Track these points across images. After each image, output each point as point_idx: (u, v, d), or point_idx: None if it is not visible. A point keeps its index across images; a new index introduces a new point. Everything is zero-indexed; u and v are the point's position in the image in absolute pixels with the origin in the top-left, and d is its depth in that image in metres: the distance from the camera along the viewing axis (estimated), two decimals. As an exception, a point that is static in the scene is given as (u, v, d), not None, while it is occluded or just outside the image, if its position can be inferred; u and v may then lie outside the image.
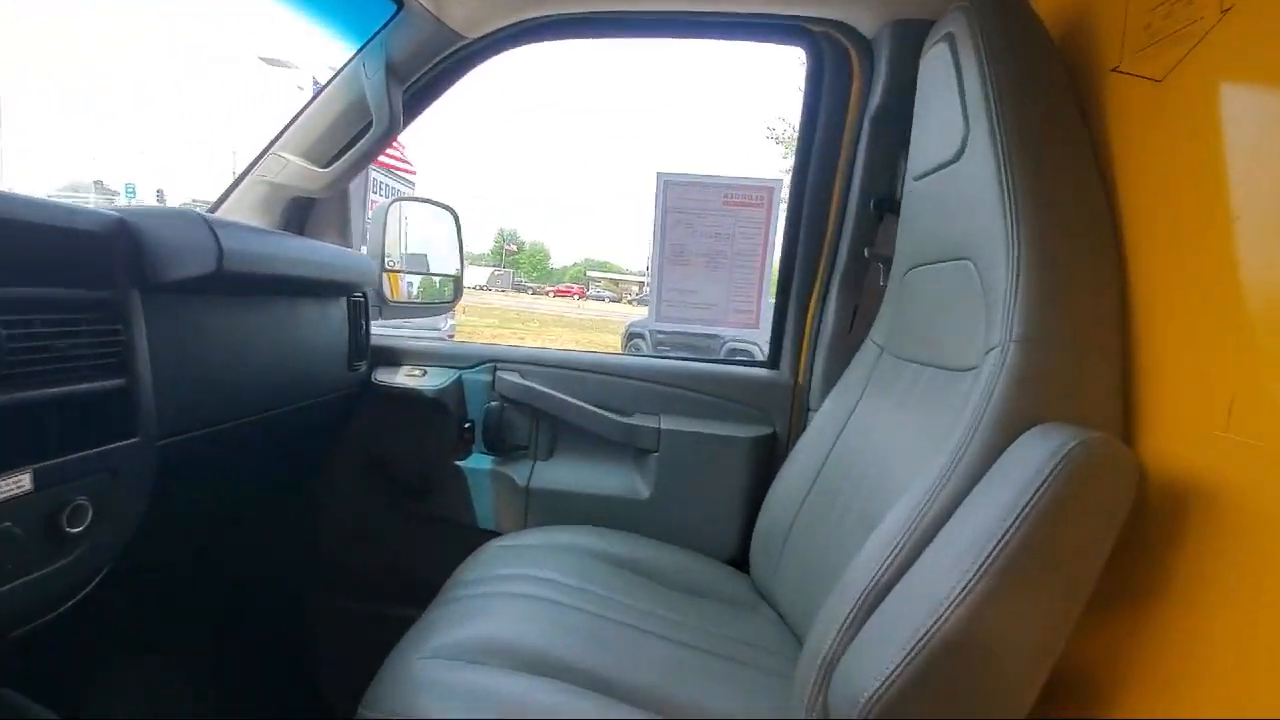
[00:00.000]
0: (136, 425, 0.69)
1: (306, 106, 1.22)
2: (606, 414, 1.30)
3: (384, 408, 1.31)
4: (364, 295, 1.25)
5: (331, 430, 1.28)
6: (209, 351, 0.83)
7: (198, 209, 0.77)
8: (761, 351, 1.48)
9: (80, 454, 0.62)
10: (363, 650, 1.31)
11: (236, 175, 1.27)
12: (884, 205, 1.17)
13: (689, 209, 1.35)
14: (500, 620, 0.87)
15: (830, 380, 1.20)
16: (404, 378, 1.30)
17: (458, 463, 1.31)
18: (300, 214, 1.29)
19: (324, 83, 1.23)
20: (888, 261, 1.11)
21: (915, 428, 0.87)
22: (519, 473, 1.30)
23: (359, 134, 1.20)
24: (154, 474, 0.71)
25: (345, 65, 1.17)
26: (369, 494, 1.34)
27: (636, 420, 1.30)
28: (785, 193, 1.31)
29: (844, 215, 1.23)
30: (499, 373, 1.32)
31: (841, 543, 0.90)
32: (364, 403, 1.30)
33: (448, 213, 1.61)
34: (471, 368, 1.33)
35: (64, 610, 0.63)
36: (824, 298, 1.26)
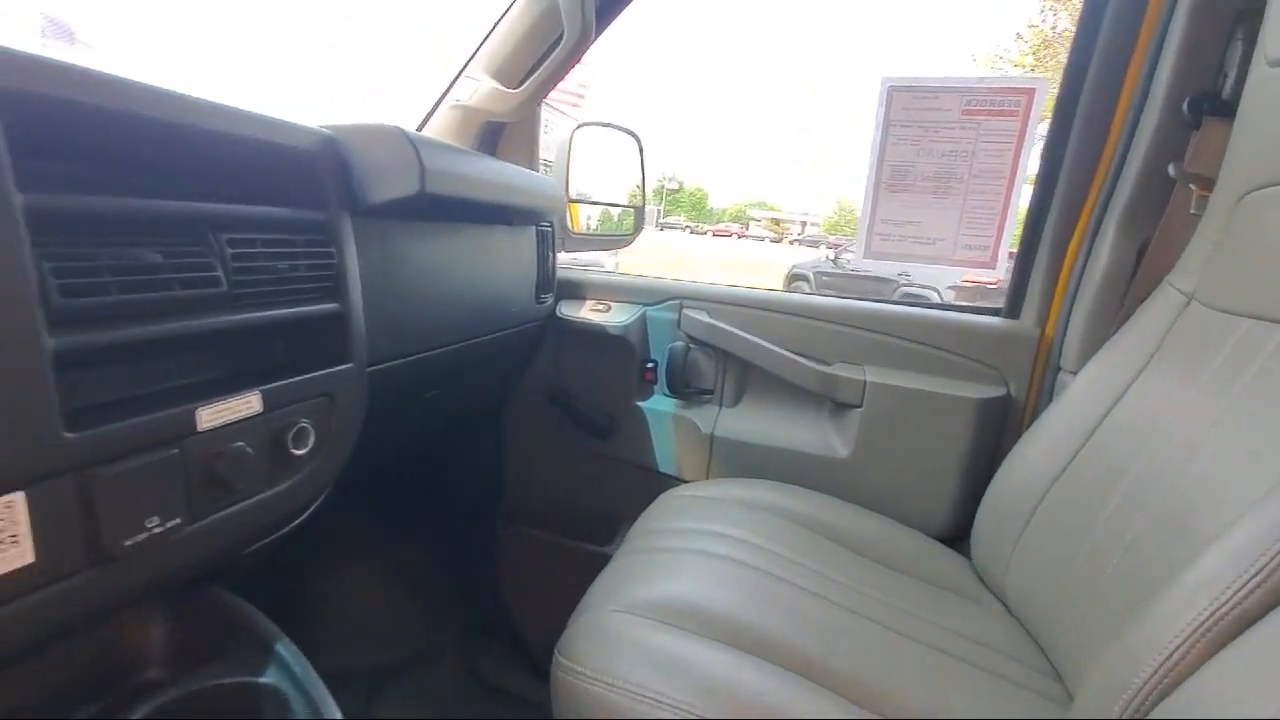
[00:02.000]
0: (350, 351, 0.68)
1: (497, 24, 1.17)
2: (803, 360, 1.16)
3: (567, 342, 1.28)
4: (551, 225, 1.20)
5: (518, 362, 1.27)
6: (410, 279, 0.81)
7: (395, 126, 0.73)
8: (940, 296, 1.23)
9: (302, 377, 0.62)
10: (543, 576, 1.34)
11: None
12: (1204, 105, 0.87)
13: (918, 121, 1.12)
14: (693, 580, 0.80)
15: (1096, 335, 0.96)
16: (588, 312, 1.25)
17: (639, 403, 1.26)
18: (492, 140, 1.26)
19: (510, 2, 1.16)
20: (1208, 182, 0.84)
21: (1258, 411, 0.64)
22: (703, 418, 1.22)
23: (549, 50, 1.12)
24: (365, 400, 0.71)
25: (536, -27, 1.09)
26: (551, 427, 1.33)
27: (837, 370, 1.14)
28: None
29: (1137, 120, 0.94)
30: (685, 310, 1.23)
31: (1127, 550, 0.70)
32: (548, 336, 1.28)
33: (631, 138, 1.51)
34: (657, 304, 1.25)
35: (289, 530, 0.65)
36: (1095, 229, 1.00)
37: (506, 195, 0.98)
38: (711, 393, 1.23)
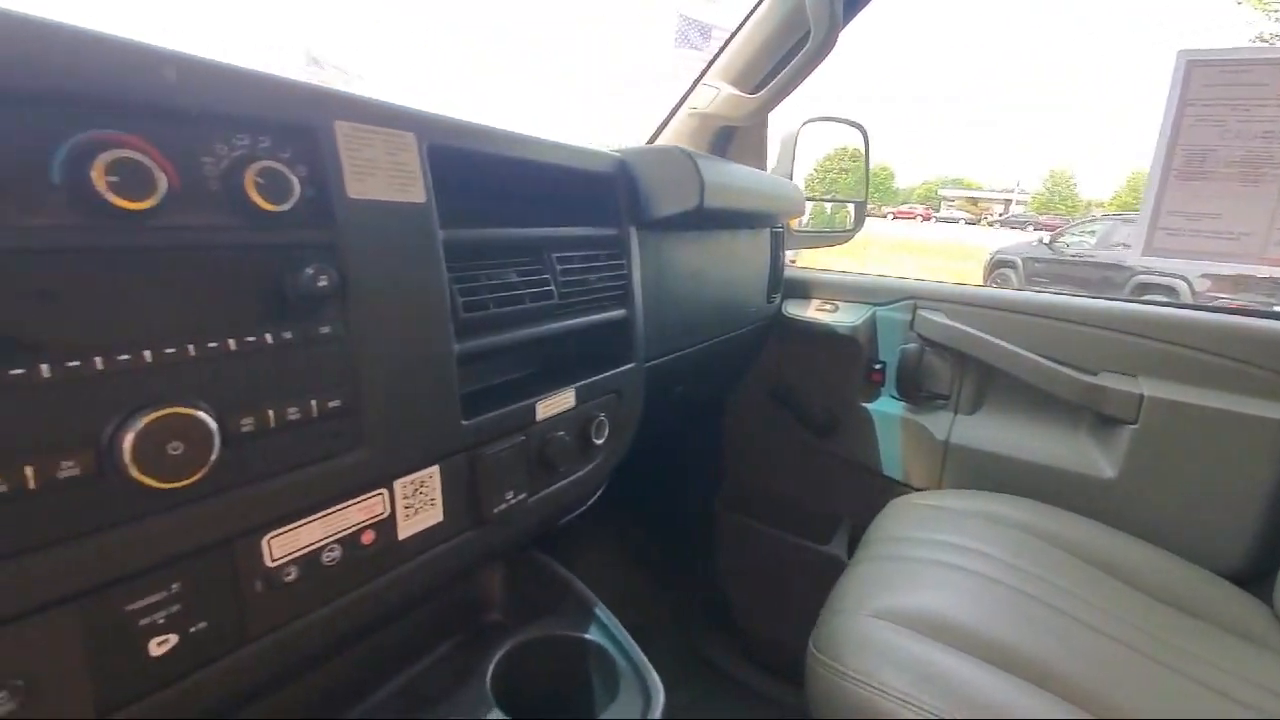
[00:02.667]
0: (633, 351, 0.76)
1: (737, 31, 1.20)
2: (1061, 369, 1.06)
3: (791, 340, 1.29)
4: (783, 226, 1.22)
5: (745, 359, 1.31)
6: (674, 284, 0.88)
7: (676, 146, 0.79)
8: (1191, 289, 1.03)
9: (601, 376, 0.70)
10: (759, 565, 1.38)
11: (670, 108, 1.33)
12: None
13: (1224, 100, 0.97)
14: (949, 595, 0.78)
15: None
16: (814, 311, 1.26)
17: (864, 404, 1.24)
18: (723, 144, 1.30)
19: (755, 3, 1.18)
20: None
21: None
22: (936, 424, 1.17)
23: (790, 52, 1.13)
24: (643, 396, 0.79)
25: (782, -23, 1.10)
26: (771, 422, 1.36)
27: (1105, 380, 1.03)
28: None
29: None
30: (920, 311, 1.18)
31: None
32: (773, 333, 1.30)
33: (857, 131, 1.47)
34: (887, 304, 1.22)
35: (586, 507, 0.74)
36: None
37: (761, 202, 1.01)
38: (947, 398, 1.18)
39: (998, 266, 9.39)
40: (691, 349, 0.94)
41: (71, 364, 0.33)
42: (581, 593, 0.67)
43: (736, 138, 1.31)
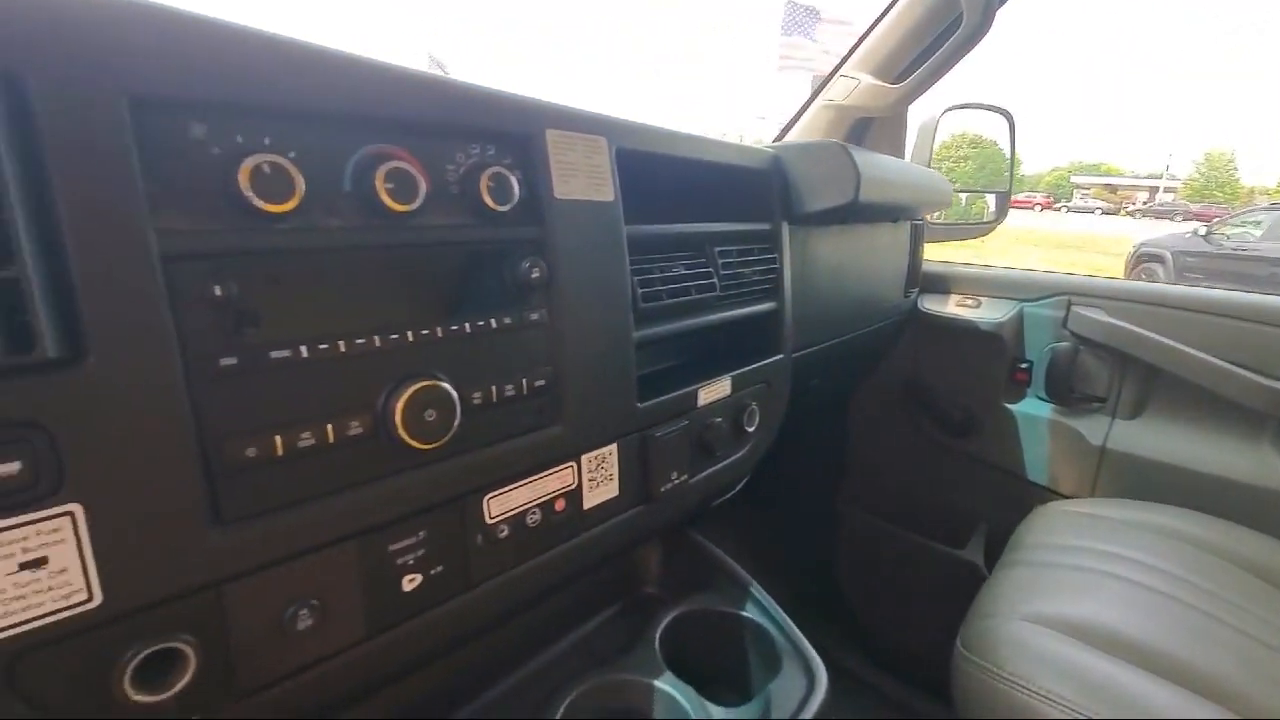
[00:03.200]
0: (781, 343, 0.78)
1: (877, 22, 1.17)
2: (1243, 372, 0.97)
3: (927, 336, 1.25)
4: (923, 219, 1.19)
5: (877, 354, 1.29)
6: (818, 277, 0.88)
7: (834, 140, 0.79)
8: None
9: (753, 366, 0.73)
10: (880, 562, 1.36)
11: (802, 103, 1.32)
12: None
13: None
14: (1105, 602, 0.75)
15: None
16: (955, 307, 1.21)
17: (1008, 405, 1.18)
18: (859, 135, 1.28)
19: (899, -10, 1.15)
20: None
21: None
22: (1091, 428, 1.10)
23: (938, 39, 1.10)
24: (789, 387, 0.80)
25: (931, -39, 1.07)
26: (900, 419, 1.33)
27: None
28: None
29: None
30: (1075, 308, 1.12)
31: None
32: (908, 329, 1.27)
33: (1002, 117, 1.40)
34: (1037, 300, 1.16)
35: (736, 490, 0.77)
36: None
37: (912, 195, 0.99)
38: (1103, 400, 1.10)
39: (1143, 261, 8.49)
40: (830, 342, 0.95)
41: (359, 341, 0.39)
42: (736, 572, 0.70)
43: (873, 128, 1.28)
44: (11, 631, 0.29)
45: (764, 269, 0.75)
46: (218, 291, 0.34)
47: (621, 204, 0.55)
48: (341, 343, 0.38)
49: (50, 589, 0.30)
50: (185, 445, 0.33)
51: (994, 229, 1.43)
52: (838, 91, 1.21)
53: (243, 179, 0.34)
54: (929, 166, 1.30)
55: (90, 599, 0.31)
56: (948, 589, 1.20)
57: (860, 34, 1.21)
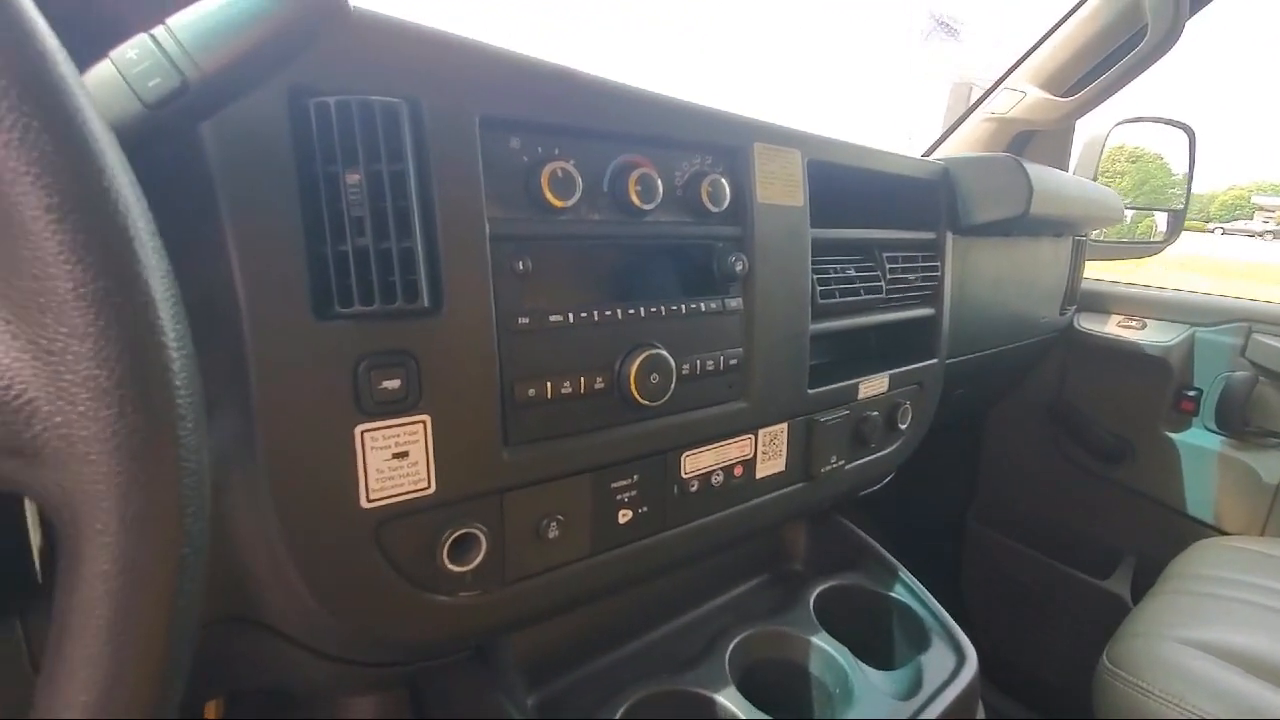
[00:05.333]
0: (936, 347, 0.81)
1: (1047, 36, 1.16)
2: None
3: (1082, 357, 1.22)
4: (1086, 235, 1.16)
5: (1024, 371, 1.27)
6: (974, 287, 0.90)
7: (1009, 154, 0.82)
8: None
9: (909, 367, 0.77)
10: (1010, 585, 1.32)
11: (958, 115, 1.32)
12: None
13: None
14: (1259, 631, 0.73)
15: None
16: (1116, 328, 1.17)
17: (1169, 433, 1.13)
18: (1019, 148, 1.26)
19: (1075, 3, 1.13)
20: None
21: None
22: (1267, 465, 1.03)
23: (1116, 52, 1.07)
24: (940, 390, 0.83)
25: (1115, -27, 1.05)
26: (1042, 440, 1.29)
27: None
28: None
29: None
30: (1256, 335, 1.05)
31: None
32: (1059, 347, 1.24)
33: (1182, 132, 1.33)
34: (1212, 325, 1.10)
35: (881, 485, 0.81)
36: None
37: (1083, 210, 0.99)
38: None
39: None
40: (981, 354, 0.96)
41: (606, 312, 0.48)
42: (883, 556, 0.74)
43: (1035, 142, 1.26)
44: (382, 502, 0.40)
45: (926, 275, 0.78)
46: (520, 266, 0.44)
47: (809, 209, 0.62)
48: (595, 312, 0.48)
49: (407, 475, 0.41)
50: (492, 382, 0.43)
51: (1163, 250, 1.35)
52: (1000, 104, 1.21)
53: (544, 180, 0.44)
54: (1096, 177, 1.26)
55: (429, 487, 0.42)
56: (1085, 619, 1.17)
57: (1028, 46, 1.20)
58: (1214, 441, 1.09)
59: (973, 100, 1.36)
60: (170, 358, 0.20)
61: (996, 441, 1.37)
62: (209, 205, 0.35)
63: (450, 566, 0.43)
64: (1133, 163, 1.53)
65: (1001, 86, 1.22)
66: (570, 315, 0.47)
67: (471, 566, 0.44)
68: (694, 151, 0.54)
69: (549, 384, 0.46)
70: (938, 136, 1.35)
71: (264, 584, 0.40)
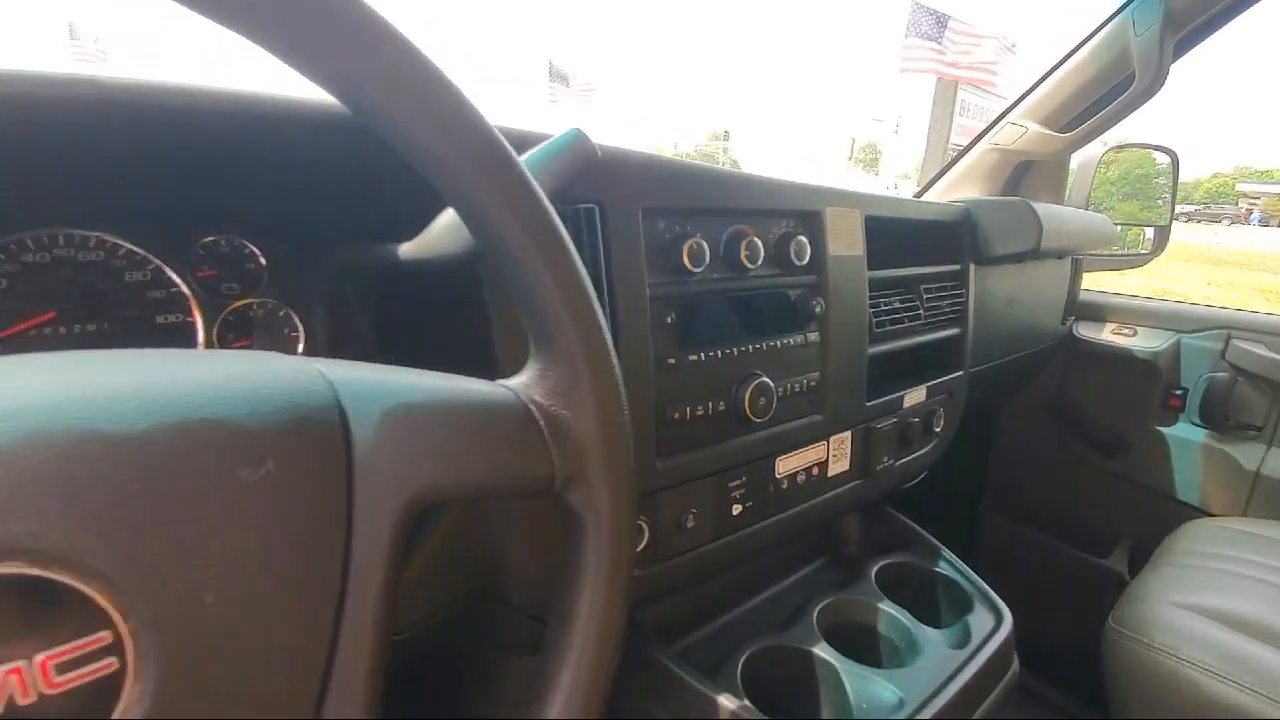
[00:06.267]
0: (961, 361, 0.96)
1: (1048, 75, 1.31)
2: None
3: (1081, 361, 1.36)
4: (1082, 254, 1.31)
5: (1029, 375, 1.41)
6: (990, 307, 1.05)
7: (1021, 199, 0.96)
8: None
9: (940, 379, 0.91)
10: (1020, 566, 1.47)
11: (961, 147, 1.47)
12: None
13: None
14: (1244, 597, 0.87)
15: None
16: (1110, 335, 1.32)
17: (1159, 428, 1.28)
18: (1017, 175, 1.41)
19: (1072, 48, 1.28)
20: None
21: None
22: (1246, 454, 1.18)
23: (1108, 95, 1.22)
24: (965, 399, 0.98)
25: (1106, 23, 1.20)
26: (1046, 437, 1.44)
27: None
28: None
29: None
30: (1234, 340, 1.20)
31: None
32: (1059, 353, 1.38)
33: (1166, 156, 1.48)
34: (1195, 332, 1.25)
35: (919, 479, 0.96)
36: None
37: (1082, 238, 1.13)
38: (1260, 429, 1.18)
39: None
40: (995, 363, 1.10)
41: (725, 350, 0.62)
42: (927, 539, 0.89)
43: (1033, 168, 1.41)
44: None
45: (954, 301, 0.93)
46: (668, 319, 0.58)
47: (866, 255, 0.76)
48: (719, 351, 0.62)
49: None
50: (650, 407, 0.57)
51: (1150, 260, 1.51)
52: (1004, 136, 1.35)
53: (684, 253, 0.58)
54: (1088, 203, 1.41)
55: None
56: (1087, 593, 1.31)
57: (1028, 85, 1.35)
58: (1199, 434, 1.24)
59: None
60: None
61: (1006, 438, 1.51)
62: (475, 286, 0.49)
63: (625, 549, 0.57)
64: (1118, 150, 1.69)
65: (1004, 121, 1.37)
66: (703, 354, 0.61)
67: (638, 550, 0.58)
68: (782, 217, 0.68)
69: (688, 408, 0.60)
70: (943, 166, 1.50)
71: (509, 565, 0.54)
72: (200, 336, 0.54)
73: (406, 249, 0.44)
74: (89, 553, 0.20)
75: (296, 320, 0.58)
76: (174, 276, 0.53)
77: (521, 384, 0.31)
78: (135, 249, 0.52)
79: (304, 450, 0.24)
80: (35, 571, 0.19)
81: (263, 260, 0.57)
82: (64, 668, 0.19)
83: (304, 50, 0.25)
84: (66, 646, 0.19)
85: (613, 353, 0.32)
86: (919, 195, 1.41)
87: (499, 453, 0.29)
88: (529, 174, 0.30)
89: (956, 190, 1.38)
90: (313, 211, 0.57)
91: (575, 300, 0.30)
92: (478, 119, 0.28)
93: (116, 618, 0.20)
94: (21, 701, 0.18)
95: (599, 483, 0.31)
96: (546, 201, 0.30)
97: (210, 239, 0.54)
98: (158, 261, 0.52)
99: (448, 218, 0.43)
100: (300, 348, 0.58)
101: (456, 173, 0.28)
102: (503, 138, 0.29)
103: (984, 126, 1.52)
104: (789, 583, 0.82)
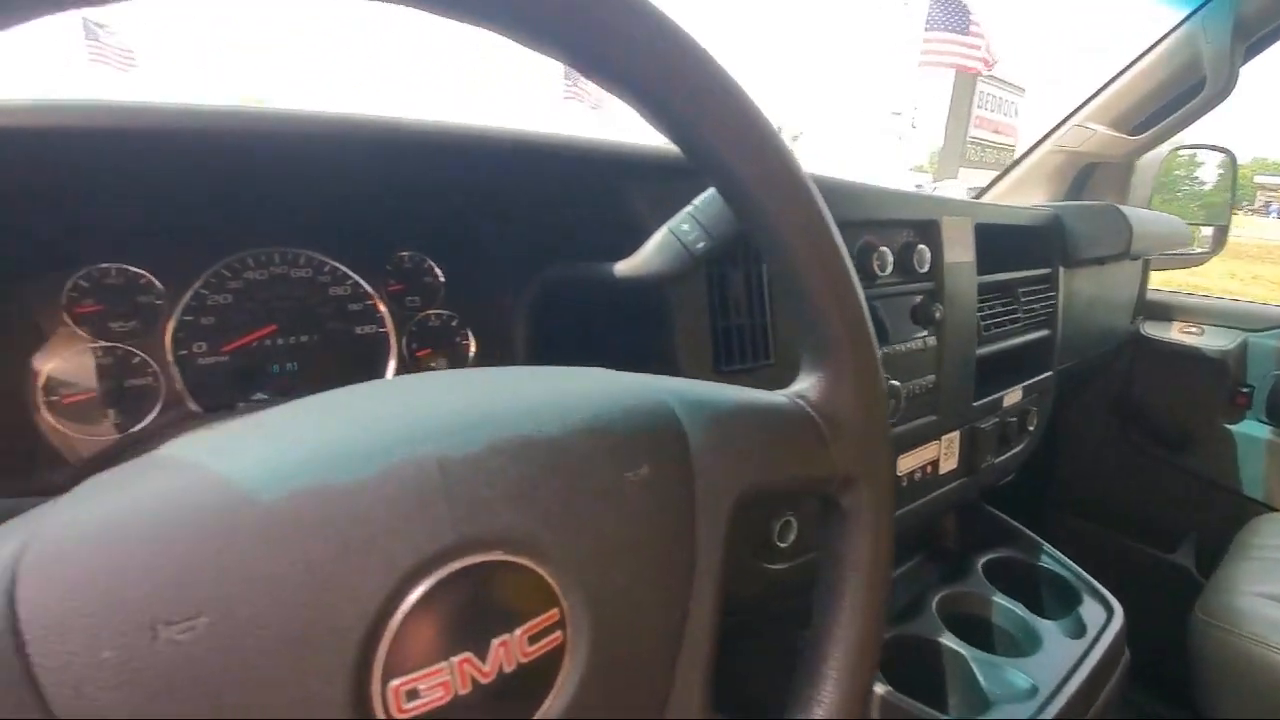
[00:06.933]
0: (1051, 362, 0.98)
1: (1116, 77, 1.33)
2: None
3: (1147, 359, 1.39)
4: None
5: (1097, 372, 1.43)
6: (1076, 307, 1.07)
7: (1110, 204, 0.99)
8: None
9: (1034, 379, 0.94)
10: (1090, 562, 1.49)
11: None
12: None
13: None
14: None
15: None
16: (1178, 334, 1.34)
17: (1227, 425, 1.30)
18: (1082, 177, 1.43)
19: (1140, 52, 1.30)
20: None
21: None
22: (1313, 450, 1.20)
23: (1178, 98, 1.24)
24: (1053, 396, 1.00)
25: (1176, 28, 1.22)
26: (1111, 434, 1.46)
27: None
28: None
29: None
30: None
31: None
32: (1127, 349, 1.40)
33: (1225, 155, 1.49)
34: (1262, 331, 1.27)
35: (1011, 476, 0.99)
36: None
37: (1162, 243, 1.16)
38: None
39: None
40: (1073, 363, 1.13)
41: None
42: (1027, 535, 0.92)
43: (1098, 171, 1.43)
44: None
45: (1045, 303, 0.96)
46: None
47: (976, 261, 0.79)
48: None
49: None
50: None
51: (1209, 259, 1.52)
52: (1070, 139, 1.38)
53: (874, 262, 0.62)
54: (1149, 202, 1.43)
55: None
56: (1154, 588, 1.34)
57: (1099, 85, 1.37)
58: (1265, 431, 1.26)
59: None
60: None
61: (1069, 434, 1.54)
62: (665, 300, 0.52)
63: (777, 543, 0.61)
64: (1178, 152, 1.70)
65: (1071, 122, 1.39)
66: None
67: (788, 544, 0.61)
68: (903, 227, 0.72)
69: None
70: (1004, 169, 1.52)
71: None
72: (392, 347, 0.58)
73: (622, 267, 0.48)
74: (545, 540, 0.23)
75: (469, 330, 0.62)
76: (370, 290, 0.57)
77: (801, 393, 0.35)
78: (338, 265, 0.56)
79: (663, 453, 0.28)
80: (512, 558, 0.22)
81: (440, 276, 0.61)
82: (534, 638, 0.23)
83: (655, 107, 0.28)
84: (535, 620, 0.23)
85: (881, 369, 0.36)
86: (977, 197, 1.44)
87: (795, 455, 0.32)
88: (823, 202, 0.33)
89: (1019, 192, 1.40)
90: (490, 231, 0.61)
91: (854, 322, 0.34)
92: (790, 159, 0.32)
93: (561, 597, 0.24)
94: (487, 678, 0.21)
95: (870, 484, 0.35)
96: (835, 230, 0.33)
97: (402, 254, 0.58)
98: (356, 277, 0.56)
99: (657, 240, 0.47)
100: (471, 354, 0.62)
101: (762, 201, 0.31)
102: (803, 169, 0.32)
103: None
104: (897, 575, 0.85)
